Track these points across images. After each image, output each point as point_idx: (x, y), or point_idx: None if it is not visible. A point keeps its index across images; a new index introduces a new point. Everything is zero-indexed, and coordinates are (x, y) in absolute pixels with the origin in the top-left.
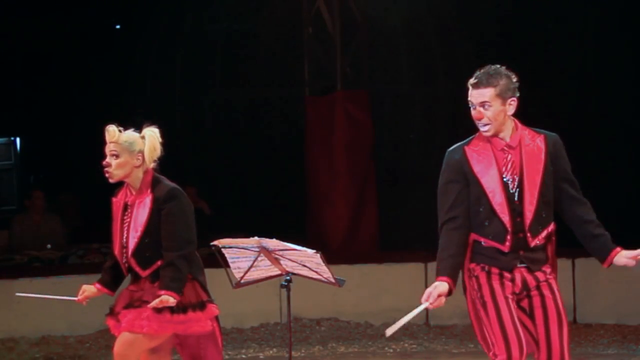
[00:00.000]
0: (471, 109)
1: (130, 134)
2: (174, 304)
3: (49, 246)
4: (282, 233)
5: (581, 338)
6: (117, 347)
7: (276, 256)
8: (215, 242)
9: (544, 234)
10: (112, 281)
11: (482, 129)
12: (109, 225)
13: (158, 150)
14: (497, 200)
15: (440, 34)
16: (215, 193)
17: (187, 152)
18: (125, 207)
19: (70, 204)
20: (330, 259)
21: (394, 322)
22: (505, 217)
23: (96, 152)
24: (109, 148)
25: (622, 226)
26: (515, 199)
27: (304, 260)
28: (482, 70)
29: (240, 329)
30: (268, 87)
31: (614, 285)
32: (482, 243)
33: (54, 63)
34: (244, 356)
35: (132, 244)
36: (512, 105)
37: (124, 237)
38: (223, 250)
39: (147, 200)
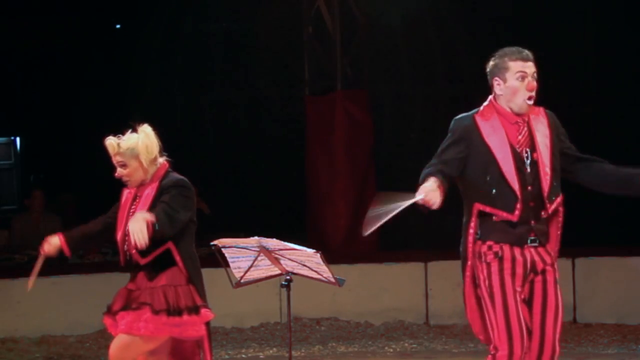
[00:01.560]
0: (517, 80)
1: (129, 140)
2: (148, 222)
3: None
4: (282, 233)
5: (581, 338)
6: (113, 350)
7: (276, 256)
8: (215, 242)
9: (558, 201)
10: (77, 239)
11: (528, 101)
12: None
13: (154, 148)
14: (507, 168)
15: (440, 34)
16: (215, 193)
17: (187, 152)
18: (135, 198)
19: (69, 204)
20: (330, 258)
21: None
22: (515, 185)
23: (96, 152)
24: (115, 160)
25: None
26: (528, 169)
27: (304, 259)
28: (514, 48)
29: (240, 329)
30: (268, 87)
31: (614, 285)
32: (493, 217)
33: (54, 63)
34: (244, 356)
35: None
36: None
37: (128, 224)
38: (223, 250)
39: (154, 187)
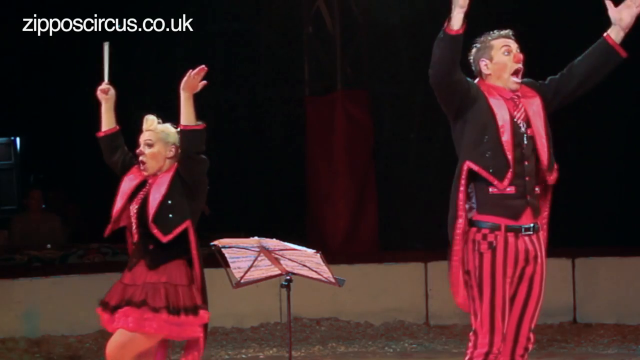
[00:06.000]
0: (504, 55)
1: (167, 126)
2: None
3: (48, 246)
4: (282, 233)
5: (581, 338)
6: (110, 349)
7: (276, 256)
8: (215, 242)
9: (556, 168)
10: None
11: (515, 78)
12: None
13: None
14: (506, 137)
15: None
16: (215, 193)
17: None
18: (144, 184)
19: (61, 202)
20: (330, 259)
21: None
22: (510, 155)
23: (96, 152)
24: (144, 137)
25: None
26: (525, 143)
27: (304, 260)
28: (492, 31)
29: (240, 329)
30: (268, 87)
31: (614, 285)
32: (489, 189)
33: (54, 63)
34: (244, 356)
35: (153, 207)
36: None
37: (141, 207)
38: (223, 250)
39: (170, 173)
